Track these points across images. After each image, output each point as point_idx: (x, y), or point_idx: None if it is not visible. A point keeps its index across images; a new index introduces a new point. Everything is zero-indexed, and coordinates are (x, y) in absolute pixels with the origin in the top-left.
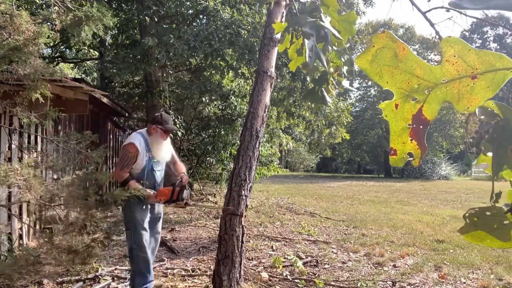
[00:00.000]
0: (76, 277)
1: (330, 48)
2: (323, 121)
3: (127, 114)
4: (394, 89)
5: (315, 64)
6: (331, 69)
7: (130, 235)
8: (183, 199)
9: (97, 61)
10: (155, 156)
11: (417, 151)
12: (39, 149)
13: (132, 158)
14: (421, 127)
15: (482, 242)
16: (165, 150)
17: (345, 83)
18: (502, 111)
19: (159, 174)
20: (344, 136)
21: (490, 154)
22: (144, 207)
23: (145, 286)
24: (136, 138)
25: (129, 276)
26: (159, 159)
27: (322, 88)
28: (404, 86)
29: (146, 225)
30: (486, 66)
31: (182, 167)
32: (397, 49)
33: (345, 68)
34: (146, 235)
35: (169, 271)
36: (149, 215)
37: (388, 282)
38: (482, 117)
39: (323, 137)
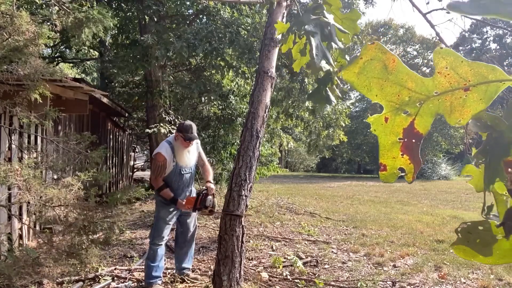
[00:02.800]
0: (76, 277)
1: (334, 46)
2: (321, 122)
3: (127, 114)
4: (383, 102)
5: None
6: (335, 69)
7: (152, 228)
8: (206, 207)
9: (97, 61)
10: (178, 162)
11: (409, 166)
12: (39, 149)
13: (162, 167)
14: (413, 141)
15: (474, 258)
16: (188, 156)
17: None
18: (495, 123)
19: (188, 177)
20: (342, 138)
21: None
22: (170, 208)
23: (151, 280)
24: (163, 147)
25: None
26: (182, 165)
27: (327, 88)
28: (394, 99)
29: (170, 221)
30: (479, 78)
31: (208, 173)
32: (386, 61)
33: None
34: (167, 230)
35: (169, 271)
36: (175, 212)
37: (388, 282)
38: (475, 129)
39: (321, 139)
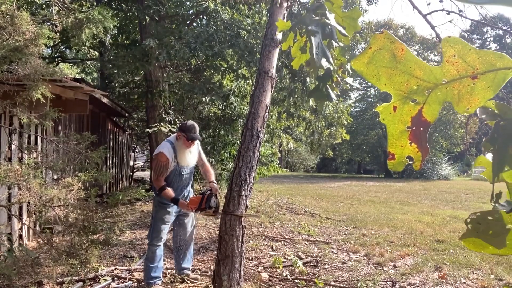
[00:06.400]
0: (76, 277)
1: (335, 44)
2: (323, 122)
3: (127, 114)
4: (392, 91)
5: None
6: (335, 66)
7: (150, 229)
8: (211, 208)
9: (97, 61)
10: (179, 162)
11: (417, 154)
12: (39, 149)
13: (165, 166)
14: (421, 129)
15: (484, 250)
16: (190, 156)
17: (349, 80)
18: (502, 111)
19: (187, 177)
20: (344, 137)
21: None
22: (168, 208)
23: (150, 280)
24: (165, 147)
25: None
26: (183, 165)
27: (327, 85)
28: (402, 88)
29: (168, 221)
30: (487, 66)
31: (210, 173)
32: (395, 50)
33: (349, 65)
34: (165, 230)
35: (168, 271)
36: (173, 212)
37: (388, 282)
38: (483, 117)
39: (323, 138)
